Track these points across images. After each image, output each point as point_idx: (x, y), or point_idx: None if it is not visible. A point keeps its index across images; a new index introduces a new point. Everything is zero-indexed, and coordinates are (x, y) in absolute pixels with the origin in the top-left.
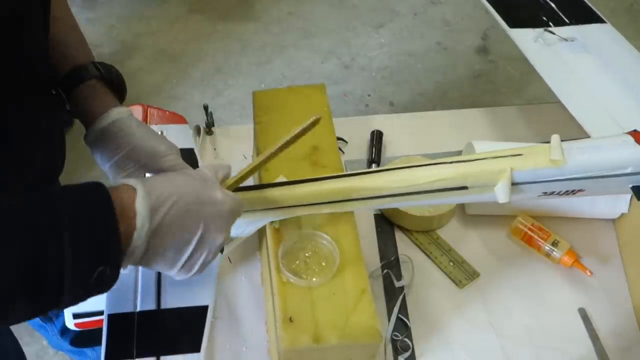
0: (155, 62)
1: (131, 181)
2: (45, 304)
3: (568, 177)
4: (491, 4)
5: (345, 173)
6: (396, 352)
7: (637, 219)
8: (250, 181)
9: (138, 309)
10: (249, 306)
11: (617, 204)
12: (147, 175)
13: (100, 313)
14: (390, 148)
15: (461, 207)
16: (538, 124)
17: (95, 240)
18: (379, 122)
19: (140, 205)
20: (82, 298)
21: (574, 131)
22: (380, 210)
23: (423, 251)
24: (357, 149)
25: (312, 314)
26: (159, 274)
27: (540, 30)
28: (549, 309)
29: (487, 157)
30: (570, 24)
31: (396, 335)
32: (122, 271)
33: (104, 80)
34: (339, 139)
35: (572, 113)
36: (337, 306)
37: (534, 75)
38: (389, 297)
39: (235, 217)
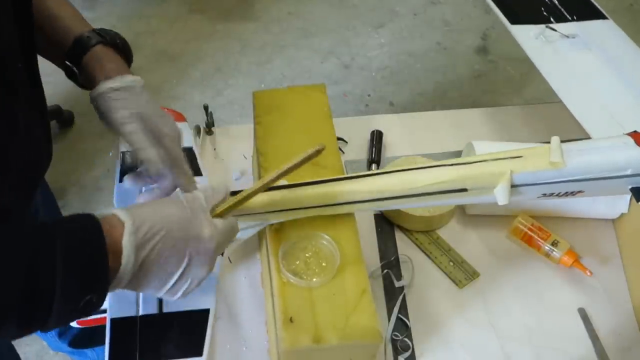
0: (155, 62)
1: (120, 213)
2: (33, 327)
3: (567, 179)
4: (492, 0)
5: (345, 176)
6: (396, 352)
7: (637, 219)
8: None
9: (140, 313)
10: (249, 306)
11: (617, 204)
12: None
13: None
14: (390, 148)
15: (461, 208)
16: (538, 124)
17: (85, 272)
18: (379, 122)
19: (127, 243)
20: (69, 321)
21: (574, 131)
22: (380, 210)
23: (423, 251)
24: (357, 149)
25: (312, 315)
26: None
27: (541, 26)
28: (549, 308)
29: (487, 160)
30: (572, 20)
31: (396, 335)
32: None
33: (109, 45)
34: (339, 139)
35: (572, 112)
36: (338, 306)
37: (533, 76)
38: (389, 297)
39: (222, 248)
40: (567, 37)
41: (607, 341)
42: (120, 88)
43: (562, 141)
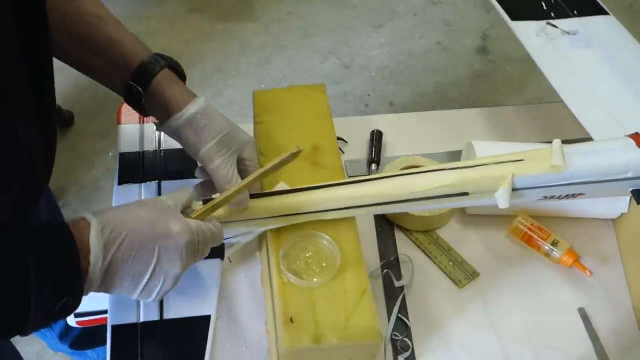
0: None
1: (88, 216)
2: (11, 333)
3: (569, 182)
4: None
5: (345, 181)
6: (396, 352)
7: (637, 219)
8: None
9: (141, 320)
10: (249, 307)
11: (617, 204)
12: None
13: (102, 312)
14: (390, 148)
15: (461, 208)
16: (538, 124)
17: (59, 277)
18: (379, 122)
19: (94, 243)
20: (47, 325)
21: (574, 131)
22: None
23: (423, 251)
24: (357, 149)
25: (312, 315)
26: None
27: (542, 23)
28: (548, 309)
29: (488, 163)
30: (573, 15)
31: (396, 335)
32: None
33: (171, 69)
34: (339, 139)
35: (573, 112)
36: (338, 307)
37: (533, 76)
38: (389, 297)
39: (200, 250)
40: (568, 33)
41: (607, 341)
42: (200, 111)
43: (562, 142)
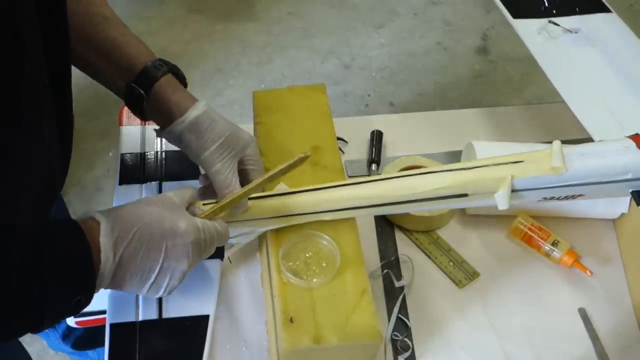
0: None
1: (97, 215)
2: (26, 331)
3: (569, 183)
4: None
5: (345, 182)
6: (396, 352)
7: (637, 219)
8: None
9: (140, 319)
10: (249, 307)
11: (617, 204)
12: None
13: (101, 312)
14: (390, 148)
15: (461, 208)
16: (538, 124)
17: (74, 276)
18: (379, 122)
19: (104, 241)
20: (58, 322)
21: (574, 131)
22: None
23: (423, 251)
24: (357, 149)
25: (312, 315)
26: None
27: (544, 21)
28: (549, 308)
29: (487, 165)
30: (575, 13)
31: (396, 335)
32: None
33: (172, 74)
34: (339, 139)
35: (573, 111)
36: (338, 306)
37: (533, 76)
38: (389, 297)
39: (206, 248)
40: (570, 31)
41: (607, 341)
42: (202, 115)
43: (562, 142)
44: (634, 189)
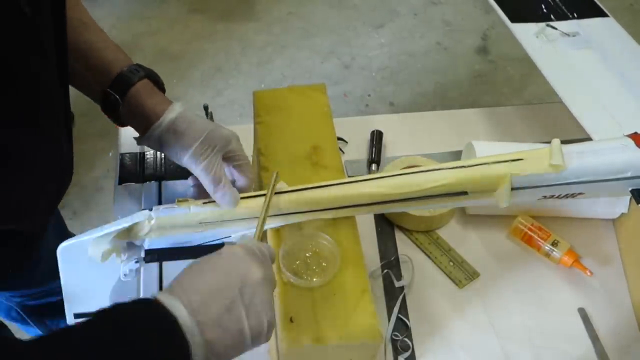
0: (155, 62)
1: (171, 302)
2: None
3: (568, 181)
4: None
5: (345, 180)
6: (396, 352)
7: (637, 219)
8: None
9: None
10: None
11: (617, 203)
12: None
13: None
14: (390, 148)
15: (461, 208)
16: (538, 124)
17: None
18: (379, 122)
19: (190, 329)
20: None
21: (574, 131)
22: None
23: (423, 251)
24: (357, 149)
25: (312, 314)
26: (160, 281)
27: (542, 25)
28: (548, 308)
29: (487, 163)
30: (572, 17)
31: (396, 335)
32: (124, 277)
33: (149, 79)
34: (339, 139)
35: (572, 112)
36: (338, 306)
37: (533, 76)
38: (389, 297)
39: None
40: (568, 35)
41: (607, 341)
42: (180, 116)
43: (562, 142)
44: (634, 187)
